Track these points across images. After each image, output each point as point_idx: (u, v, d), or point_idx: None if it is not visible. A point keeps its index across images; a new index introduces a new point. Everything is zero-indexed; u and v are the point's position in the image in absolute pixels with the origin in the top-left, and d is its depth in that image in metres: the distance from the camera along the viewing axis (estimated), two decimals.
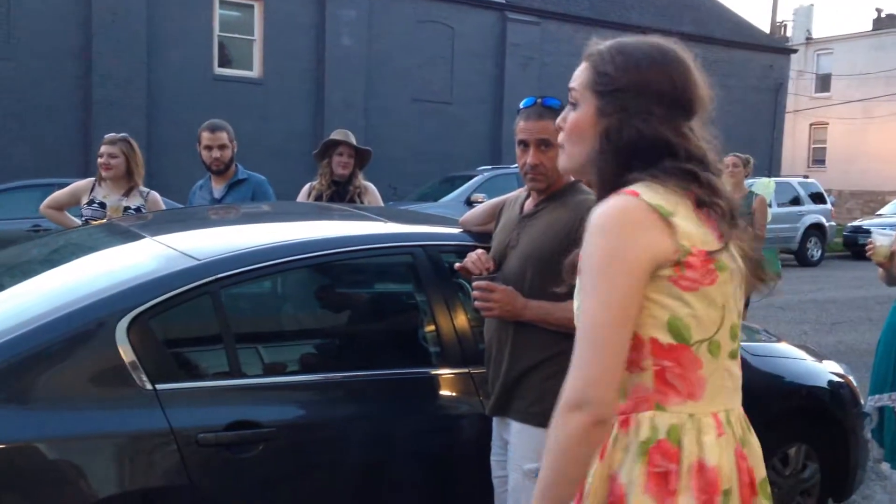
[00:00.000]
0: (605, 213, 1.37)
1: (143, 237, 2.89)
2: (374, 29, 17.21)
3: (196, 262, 2.48)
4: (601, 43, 1.53)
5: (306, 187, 4.65)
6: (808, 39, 33.76)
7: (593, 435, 1.34)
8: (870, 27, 33.16)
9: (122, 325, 2.27)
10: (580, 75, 1.53)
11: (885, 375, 3.72)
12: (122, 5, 14.61)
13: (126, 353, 2.26)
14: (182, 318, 2.56)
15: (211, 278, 2.43)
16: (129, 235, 3.04)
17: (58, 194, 4.68)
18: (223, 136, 4.36)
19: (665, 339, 1.40)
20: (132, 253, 2.81)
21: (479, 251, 2.58)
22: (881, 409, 3.76)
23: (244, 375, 2.54)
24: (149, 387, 2.27)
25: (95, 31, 14.47)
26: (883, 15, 33.58)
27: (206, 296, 2.43)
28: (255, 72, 16.49)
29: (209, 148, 4.34)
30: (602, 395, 1.33)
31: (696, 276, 1.38)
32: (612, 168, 1.44)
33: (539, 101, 2.49)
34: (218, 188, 4.41)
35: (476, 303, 2.47)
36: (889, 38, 31.29)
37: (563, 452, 1.36)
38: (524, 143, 2.49)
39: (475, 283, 2.47)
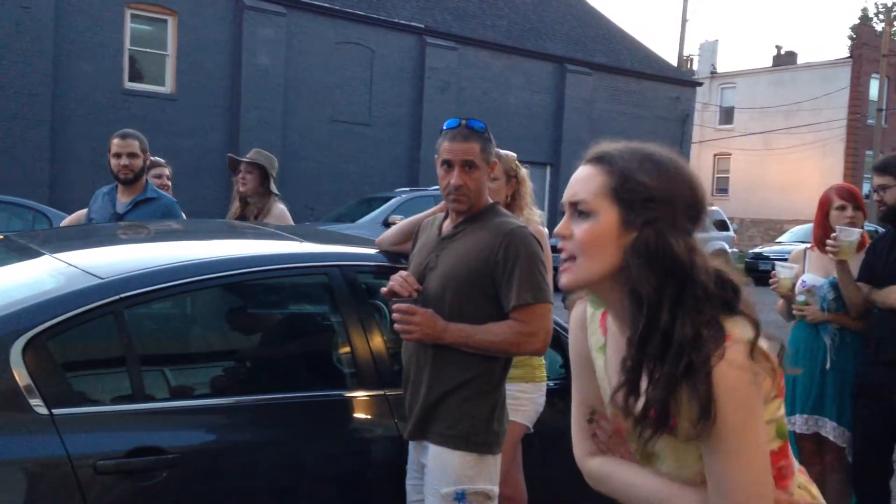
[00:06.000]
0: (739, 377, 1.28)
1: (43, 254, 2.75)
2: (292, 48, 17.08)
3: (99, 281, 2.37)
4: (608, 146, 1.43)
5: (232, 208, 4.60)
6: (713, 73, 35.27)
7: None
8: (770, 63, 34.90)
9: (17, 346, 2.15)
10: (591, 181, 1.38)
11: (784, 399, 3.85)
12: (27, 15, 14.06)
13: (21, 377, 2.14)
14: (83, 340, 2.43)
15: (114, 298, 2.32)
16: (26, 252, 2.89)
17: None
18: (134, 144, 4.21)
19: (775, 444, 1.42)
20: (30, 270, 2.67)
21: (405, 273, 2.56)
22: None
23: (148, 399, 2.44)
24: (45, 412, 2.15)
25: None
26: (783, 52, 35.41)
27: (109, 316, 2.32)
28: (168, 87, 16.10)
29: (118, 155, 4.17)
30: None
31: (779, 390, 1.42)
32: (651, 285, 1.32)
33: (464, 122, 2.49)
34: (123, 202, 4.22)
35: (396, 326, 2.44)
36: (787, 74, 33.06)
37: None
38: (448, 164, 2.48)
39: (395, 307, 2.44)
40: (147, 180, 4.33)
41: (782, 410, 1.42)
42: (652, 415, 1.32)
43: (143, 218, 4.13)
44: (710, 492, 1.33)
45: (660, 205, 1.34)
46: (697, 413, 1.27)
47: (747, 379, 1.28)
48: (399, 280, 2.50)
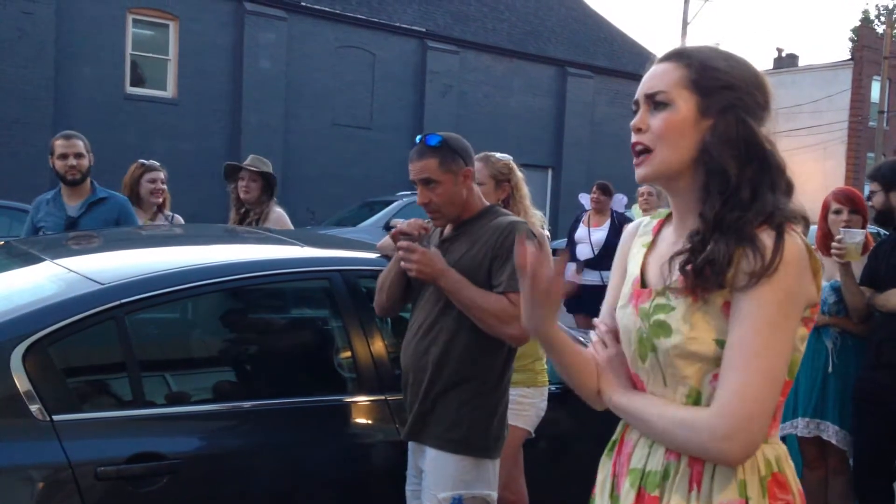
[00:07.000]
0: (800, 247, 1.34)
1: (43, 260, 2.75)
2: (293, 52, 17.09)
3: (99, 286, 2.37)
4: (684, 46, 1.50)
5: (232, 214, 4.60)
6: None
7: (721, 461, 1.34)
8: (771, 66, 34.89)
9: (18, 352, 2.15)
10: (668, 73, 1.43)
11: (786, 404, 3.83)
12: (29, 20, 14.08)
13: (21, 382, 2.14)
14: (83, 346, 2.44)
15: (115, 303, 2.32)
16: (27, 258, 2.89)
17: None
18: (79, 145, 4.14)
19: (786, 376, 1.40)
20: (31, 276, 2.67)
21: (414, 219, 2.59)
22: (783, 439, 3.86)
23: (148, 405, 2.44)
24: (45, 418, 2.15)
25: (0, 46, 13.89)
26: (783, 54, 35.40)
27: (109, 322, 2.33)
28: (170, 92, 16.12)
29: (64, 156, 4.09)
30: (761, 432, 1.31)
31: (813, 315, 1.41)
32: (733, 167, 1.37)
33: (422, 140, 2.52)
34: (73, 205, 4.12)
35: (402, 264, 2.47)
36: (788, 76, 33.03)
37: (671, 436, 1.37)
38: (413, 183, 2.53)
39: (398, 244, 2.48)
40: (92, 180, 4.24)
41: (804, 347, 1.42)
42: (707, 272, 1.34)
43: (100, 218, 4.06)
44: (721, 377, 1.32)
45: (736, 91, 1.40)
46: (761, 262, 1.30)
47: (805, 252, 1.34)
48: (407, 221, 2.53)
